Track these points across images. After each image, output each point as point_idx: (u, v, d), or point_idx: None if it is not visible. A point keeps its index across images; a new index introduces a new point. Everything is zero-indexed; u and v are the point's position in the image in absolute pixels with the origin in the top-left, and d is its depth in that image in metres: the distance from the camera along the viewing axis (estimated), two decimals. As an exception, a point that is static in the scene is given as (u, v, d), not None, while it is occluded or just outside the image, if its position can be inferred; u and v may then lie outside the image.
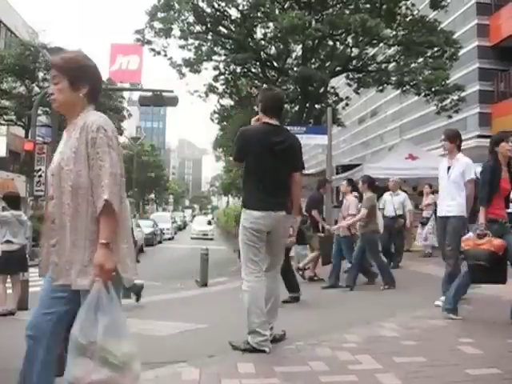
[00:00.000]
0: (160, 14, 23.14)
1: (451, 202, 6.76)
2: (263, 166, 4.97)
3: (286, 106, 26.53)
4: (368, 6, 23.00)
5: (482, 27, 34.32)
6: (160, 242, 34.59)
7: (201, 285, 11.98)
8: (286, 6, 23.82)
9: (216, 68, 26.26)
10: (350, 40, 24.59)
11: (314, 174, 24.52)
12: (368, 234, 9.24)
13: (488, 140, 24.84)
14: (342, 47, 25.68)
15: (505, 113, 30.85)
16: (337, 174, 19.83)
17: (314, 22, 22.50)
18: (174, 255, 26.13)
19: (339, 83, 30.30)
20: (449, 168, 6.93)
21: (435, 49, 23.64)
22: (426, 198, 13.84)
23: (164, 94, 19.47)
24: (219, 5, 23.06)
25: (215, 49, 25.08)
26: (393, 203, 11.90)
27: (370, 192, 9.51)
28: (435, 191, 10.72)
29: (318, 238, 10.80)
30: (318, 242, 10.73)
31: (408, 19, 24.19)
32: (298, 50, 26.77)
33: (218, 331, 5.82)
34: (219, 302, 6.91)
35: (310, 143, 22.48)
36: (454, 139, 6.97)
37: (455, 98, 24.27)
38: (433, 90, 23.57)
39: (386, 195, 12.15)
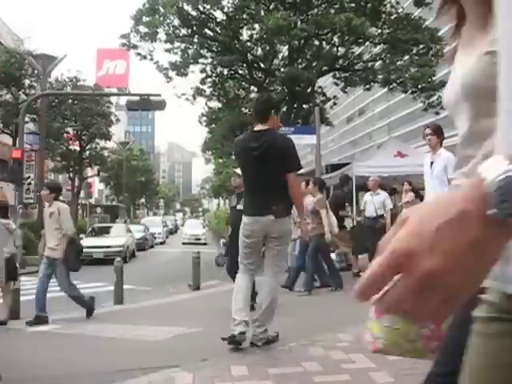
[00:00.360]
0: (145, 18, 23.11)
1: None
2: (248, 172, 5.19)
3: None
4: (353, 4, 23.07)
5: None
6: (152, 247, 34.48)
7: (193, 288, 11.93)
8: (271, 7, 23.87)
9: (203, 71, 26.26)
10: (335, 39, 24.68)
11: (304, 174, 24.50)
12: (317, 237, 9.28)
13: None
14: (328, 47, 25.75)
15: (491, 108, 31.10)
16: (326, 173, 19.80)
17: (299, 23, 22.55)
18: (166, 259, 26.06)
19: (326, 83, 30.36)
20: (432, 163, 6.94)
21: (421, 46, 23.76)
22: (405, 195, 13.77)
23: (151, 97, 19.48)
24: (204, 7, 23.06)
25: (201, 51, 25.08)
26: (373, 203, 11.52)
27: (319, 193, 9.63)
28: (417, 188, 10.64)
29: (346, 234, 11.22)
30: (351, 235, 11.28)
31: (393, 17, 24.30)
32: (284, 50, 26.82)
33: (211, 334, 5.80)
34: (212, 305, 6.89)
35: (299, 143, 22.42)
36: (439, 134, 6.98)
37: (441, 94, 24.41)
38: (419, 87, 23.68)
39: (367, 195, 11.82)
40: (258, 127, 5.21)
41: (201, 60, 25.35)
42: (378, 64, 25.18)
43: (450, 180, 6.67)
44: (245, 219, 5.11)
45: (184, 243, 38.64)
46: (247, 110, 28.69)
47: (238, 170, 7.95)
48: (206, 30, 24.43)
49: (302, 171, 10.44)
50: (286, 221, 5.04)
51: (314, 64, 25.04)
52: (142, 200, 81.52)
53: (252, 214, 5.05)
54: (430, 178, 6.87)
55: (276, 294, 5.21)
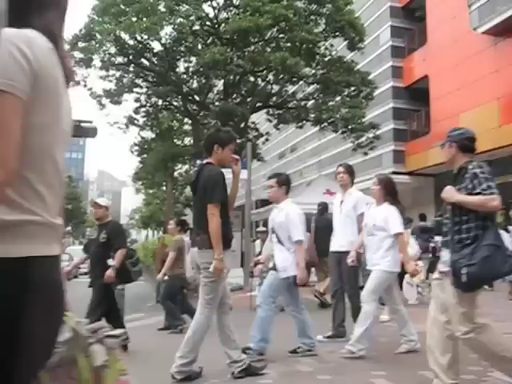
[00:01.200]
0: (81, 44, 22.87)
1: (344, 237, 6.80)
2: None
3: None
4: (289, 44, 23.57)
5: (396, 69, 35.84)
6: (76, 277, 33.38)
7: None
8: (208, 42, 24.11)
9: (137, 100, 26.11)
10: (270, 77, 25.14)
11: (233, 208, 24.50)
12: (172, 278, 9.20)
13: (402, 176, 25.73)
14: (263, 84, 26.16)
15: (417, 150, 32.17)
16: (256, 208, 19.96)
17: (235, 58, 22.83)
18: (89, 290, 25.25)
19: (260, 119, 30.77)
20: (342, 202, 7.02)
21: (352, 88, 24.51)
22: None
23: (83, 124, 19.09)
24: (142, 37, 23.04)
25: (137, 81, 24.98)
26: None
27: (178, 235, 9.58)
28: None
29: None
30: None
31: (326, 59, 24.97)
32: (219, 84, 27.06)
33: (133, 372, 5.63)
34: (133, 341, 6.70)
35: (230, 177, 22.58)
36: (351, 173, 7.12)
37: (371, 135, 25.13)
38: (349, 127, 24.32)
39: None
40: (204, 161, 5.35)
41: (136, 89, 25.23)
42: (310, 103, 25.74)
43: (358, 218, 6.72)
44: None
45: None
46: (180, 142, 28.66)
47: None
48: (143, 60, 24.39)
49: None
50: (209, 253, 4.94)
51: (249, 100, 25.34)
52: (68, 228, 79.49)
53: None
54: (339, 216, 6.94)
55: (200, 327, 5.09)
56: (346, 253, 6.60)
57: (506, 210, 25.40)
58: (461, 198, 3.88)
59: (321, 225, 11.37)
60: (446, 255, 3.99)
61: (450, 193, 3.96)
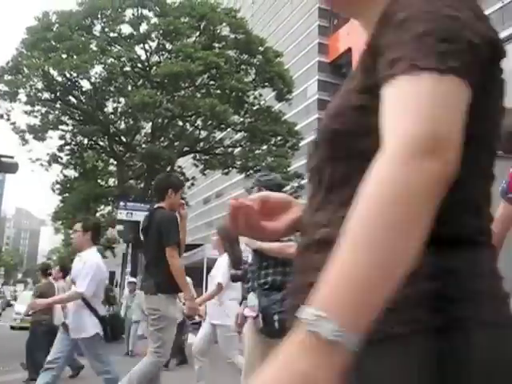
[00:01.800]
0: (7, 77, 22.36)
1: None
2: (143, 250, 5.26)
3: (131, 181, 26.30)
4: (218, 91, 23.87)
5: (321, 121, 36.90)
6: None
7: (25, 367, 11.03)
8: (138, 84, 24.08)
9: (62, 137, 25.61)
10: (199, 122, 25.29)
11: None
12: (35, 323, 8.90)
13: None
14: (191, 128, 26.24)
15: (340, 202, 32.97)
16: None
17: (165, 102, 22.88)
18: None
19: (186, 163, 30.74)
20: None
21: (279, 138, 24.97)
22: None
23: (3, 159, 18.53)
24: (71, 75, 22.75)
25: (63, 118, 24.54)
26: None
27: (44, 279, 9.20)
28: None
29: None
30: None
31: (255, 108, 25.41)
32: (147, 127, 26.94)
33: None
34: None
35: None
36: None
37: (295, 185, 25.51)
38: (275, 176, 24.61)
39: None
40: (155, 206, 5.23)
41: (61, 126, 24.78)
42: (237, 150, 25.96)
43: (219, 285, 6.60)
44: None
45: (13, 327, 24.02)
46: (104, 183, 28.15)
47: None
48: (71, 97, 24.02)
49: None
50: (154, 298, 4.78)
51: (176, 144, 25.31)
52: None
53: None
54: None
55: (136, 377, 4.73)
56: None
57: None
58: (261, 245, 3.86)
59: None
60: (252, 300, 3.96)
61: (253, 240, 3.97)
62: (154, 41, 24.48)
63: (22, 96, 22.96)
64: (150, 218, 5.10)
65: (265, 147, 24.96)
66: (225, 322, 5.79)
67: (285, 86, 25.18)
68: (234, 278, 5.91)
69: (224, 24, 24.56)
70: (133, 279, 13.30)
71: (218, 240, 6.34)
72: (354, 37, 34.37)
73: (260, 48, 25.13)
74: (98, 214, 34.61)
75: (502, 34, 21.25)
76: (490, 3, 21.69)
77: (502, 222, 2.34)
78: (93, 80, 23.63)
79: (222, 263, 6.14)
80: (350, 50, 34.91)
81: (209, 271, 14.01)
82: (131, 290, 12.11)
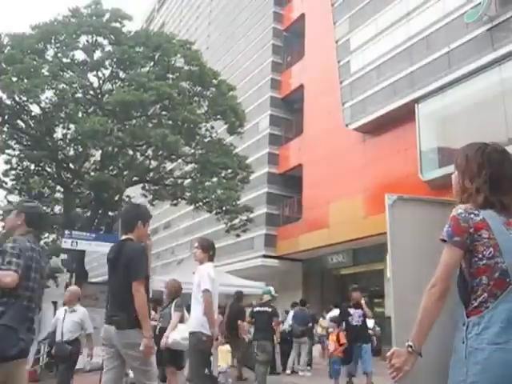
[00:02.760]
0: (-49, 99, 21.82)
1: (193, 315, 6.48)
2: (107, 282, 5.12)
3: (77, 210, 25.80)
4: (170, 122, 23.83)
5: (272, 156, 37.11)
6: None
7: None
8: (89, 111, 23.84)
9: (8, 162, 25.04)
10: (150, 152, 25.15)
11: (101, 283, 23.67)
12: None
13: (272, 260, 26.08)
14: (141, 158, 26.07)
15: (288, 236, 33.05)
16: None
17: (115, 130, 22.71)
18: None
19: (135, 193, 30.41)
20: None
21: (229, 170, 25.03)
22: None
23: None
24: (20, 98, 22.33)
25: (10, 142, 24.01)
26: None
27: None
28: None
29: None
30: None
31: (206, 140, 25.45)
32: (97, 155, 26.63)
33: None
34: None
35: (99, 251, 21.91)
36: (207, 249, 6.66)
37: (244, 218, 25.53)
38: (224, 208, 24.61)
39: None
40: (123, 237, 5.07)
41: (8, 151, 24.25)
42: (187, 182, 25.89)
43: (204, 292, 6.18)
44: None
45: None
46: (49, 210, 27.55)
47: None
48: (19, 121, 23.53)
49: (99, 279, 9.86)
50: (131, 333, 4.65)
51: (126, 173, 25.05)
52: None
53: (105, 322, 4.93)
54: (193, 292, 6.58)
55: None
56: (191, 333, 6.34)
57: (370, 297, 26.52)
58: None
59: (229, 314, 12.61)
60: None
61: None
62: (107, 68, 24.34)
63: (-33, 118, 22.42)
64: (119, 249, 4.98)
65: (215, 179, 24.95)
66: None
67: (237, 120, 25.36)
68: None
69: (179, 55, 24.65)
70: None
71: (198, 251, 6.51)
72: (306, 74, 34.98)
73: (214, 81, 25.30)
74: (41, 242, 33.82)
75: (449, 78, 21.98)
76: (437, 48, 22.49)
77: (451, 266, 2.40)
78: (43, 105, 23.24)
79: (206, 270, 6.23)
80: (302, 86, 35.47)
81: (155, 302, 13.77)
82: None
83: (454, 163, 2.69)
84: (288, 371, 14.91)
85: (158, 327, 8.05)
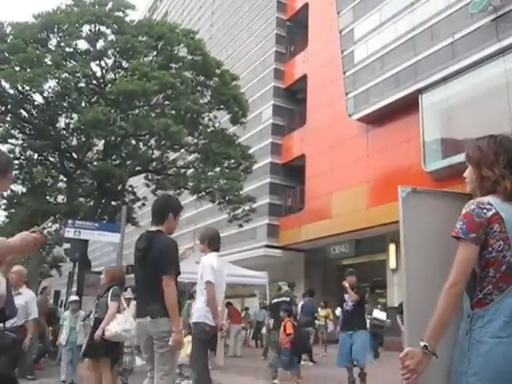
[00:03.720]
0: (-46, 88, 21.82)
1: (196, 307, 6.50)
2: (134, 272, 5.15)
3: (80, 199, 25.83)
4: (173, 112, 23.81)
5: (275, 146, 37.08)
6: None
7: None
8: (92, 100, 23.81)
9: (11, 151, 25.02)
10: (152, 142, 25.14)
11: (100, 273, 23.71)
12: None
13: (275, 250, 26.14)
14: (144, 148, 26.06)
15: (290, 226, 33.07)
16: (127, 273, 19.33)
17: (118, 120, 22.71)
18: None
19: (138, 183, 30.45)
20: None
21: (232, 160, 25.03)
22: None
23: None
24: (24, 88, 22.31)
25: (13, 131, 24.01)
26: None
27: None
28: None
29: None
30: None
31: (209, 130, 25.42)
32: (99, 144, 26.62)
33: None
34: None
35: (102, 240, 22.01)
36: (204, 240, 6.61)
37: (247, 208, 25.54)
38: (227, 198, 24.63)
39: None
40: (152, 228, 5.07)
41: (11, 140, 24.23)
42: (190, 171, 25.87)
43: (206, 283, 6.18)
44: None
45: None
46: (52, 199, 27.58)
47: None
48: (22, 111, 23.53)
49: (101, 269, 9.86)
50: (163, 321, 4.71)
51: (128, 163, 25.07)
52: None
53: (136, 316, 5.01)
54: (198, 283, 6.57)
55: None
56: (195, 324, 6.35)
57: (372, 287, 26.58)
58: None
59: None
60: None
61: None
62: (110, 58, 24.30)
63: (-30, 107, 22.43)
64: (150, 241, 4.96)
65: (218, 169, 24.95)
66: None
67: (240, 110, 25.33)
68: None
69: (182, 45, 24.59)
70: (75, 298, 11.91)
71: (198, 242, 6.53)
72: (309, 64, 34.87)
73: (217, 70, 25.24)
74: (45, 231, 33.89)
75: (453, 68, 21.89)
76: (441, 38, 22.38)
77: (469, 264, 2.37)
78: (46, 94, 23.24)
79: (208, 261, 6.20)
80: (305, 76, 35.37)
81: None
82: (74, 309, 10.76)
83: (466, 157, 2.65)
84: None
85: (93, 318, 7.56)
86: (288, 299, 11.90)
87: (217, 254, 6.49)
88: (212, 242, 6.51)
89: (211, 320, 6.08)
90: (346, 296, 9.68)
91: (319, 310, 19.73)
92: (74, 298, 11.88)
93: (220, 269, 6.36)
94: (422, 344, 2.32)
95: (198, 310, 6.26)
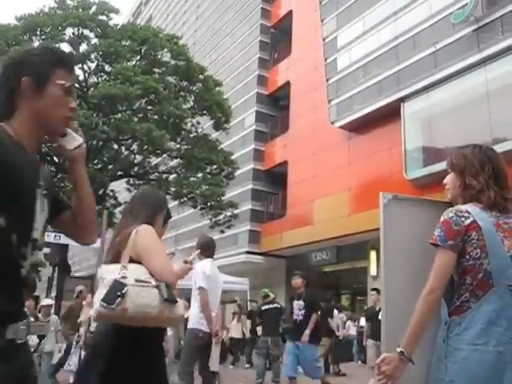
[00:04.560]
0: None
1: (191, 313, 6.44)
2: None
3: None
4: (156, 117, 23.76)
5: (258, 152, 37.07)
6: None
7: None
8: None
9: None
10: (135, 146, 25.04)
11: (84, 277, 23.59)
12: None
13: (256, 256, 26.11)
14: (126, 152, 25.94)
15: (272, 232, 33.07)
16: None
17: (100, 124, 22.59)
18: None
19: (119, 187, 30.27)
20: None
21: (214, 166, 25.01)
22: None
23: None
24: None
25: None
26: None
27: None
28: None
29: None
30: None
31: (192, 135, 25.40)
32: (81, 148, 26.41)
33: None
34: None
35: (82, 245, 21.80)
36: (198, 247, 6.38)
37: (229, 214, 25.52)
38: (209, 204, 24.59)
39: None
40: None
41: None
42: (172, 177, 25.81)
43: (199, 289, 6.15)
44: None
45: None
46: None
47: None
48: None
49: (82, 274, 9.72)
50: None
51: (110, 167, 24.93)
52: None
53: None
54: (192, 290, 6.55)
55: None
56: (189, 330, 6.34)
57: (352, 294, 26.64)
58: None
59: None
60: None
61: None
62: (93, 62, 24.22)
63: None
64: None
65: (200, 175, 24.92)
66: None
67: (223, 115, 25.34)
68: None
69: (165, 50, 24.57)
70: (49, 301, 11.03)
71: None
72: (292, 71, 34.97)
73: (200, 76, 25.25)
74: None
75: (435, 77, 22.09)
76: (424, 47, 22.60)
77: (447, 271, 2.39)
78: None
79: (201, 268, 6.17)
80: (288, 83, 35.45)
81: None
82: (45, 314, 9.85)
83: (449, 164, 2.66)
84: None
85: None
86: (279, 306, 11.96)
87: (211, 260, 6.47)
88: (205, 248, 6.40)
89: (205, 326, 6.07)
90: (295, 302, 9.05)
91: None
92: (47, 301, 11.03)
93: (214, 275, 6.37)
94: (398, 350, 2.33)
95: (193, 317, 6.24)
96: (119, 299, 2.56)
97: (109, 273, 2.70)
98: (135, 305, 2.57)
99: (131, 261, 2.78)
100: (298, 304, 8.88)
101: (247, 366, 16.46)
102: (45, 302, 10.90)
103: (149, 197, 3.33)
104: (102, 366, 2.70)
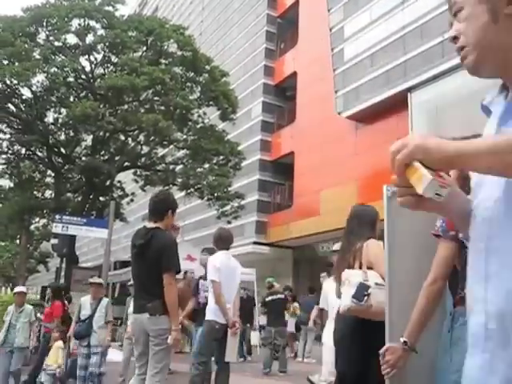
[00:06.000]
0: None
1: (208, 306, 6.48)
2: (132, 269, 5.15)
3: (68, 194, 25.71)
4: (163, 108, 23.75)
5: (264, 143, 37.04)
6: None
7: None
8: (81, 95, 23.72)
9: (-2, 145, 24.90)
10: (141, 138, 25.05)
11: (91, 268, 23.72)
12: None
13: (263, 247, 26.15)
14: (133, 143, 25.96)
15: (279, 223, 33.09)
16: (114, 269, 19.31)
17: (107, 115, 22.59)
18: None
19: (126, 178, 30.32)
20: None
21: (221, 157, 24.99)
22: None
23: None
24: (11, 82, 22.15)
25: (0, 126, 23.87)
26: None
27: None
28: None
29: None
30: None
31: (199, 126, 25.37)
32: (88, 139, 26.48)
33: None
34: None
35: (89, 236, 21.91)
36: (213, 240, 6.71)
37: (235, 204, 25.52)
38: (215, 195, 24.60)
39: None
40: (150, 224, 5.03)
41: (-2, 135, 24.13)
42: (179, 168, 25.82)
43: (211, 282, 6.33)
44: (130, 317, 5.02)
45: None
46: (40, 194, 27.42)
47: None
48: (10, 105, 23.37)
49: (89, 264, 9.80)
50: (163, 319, 4.69)
51: (117, 158, 24.98)
52: None
53: (133, 312, 5.01)
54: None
55: None
56: (205, 321, 6.38)
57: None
58: None
59: None
60: None
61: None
62: (99, 53, 24.20)
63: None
64: (149, 237, 4.91)
65: (207, 166, 24.91)
66: None
67: (229, 106, 25.29)
68: None
69: (172, 40, 24.51)
70: (21, 289, 9.47)
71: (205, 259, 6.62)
72: (299, 61, 34.88)
73: (206, 66, 25.19)
74: (32, 227, 33.71)
75: (443, 67, 21.97)
76: (432, 37, 22.46)
77: (449, 261, 2.39)
78: (34, 89, 23.11)
79: (212, 261, 6.23)
80: (295, 73, 35.37)
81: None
82: (18, 303, 8.79)
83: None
84: (299, 358, 14.94)
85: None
86: (283, 296, 12.05)
87: (225, 252, 6.51)
88: (218, 241, 6.59)
89: (221, 318, 6.12)
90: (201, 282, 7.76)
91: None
92: (19, 288, 9.51)
93: (227, 267, 6.37)
94: (401, 340, 2.38)
95: (209, 309, 6.29)
96: (366, 297, 3.33)
97: (353, 276, 3.51)
98: (377, 302, 3.21)
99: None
100: (203, 285, 7.90)
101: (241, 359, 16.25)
102: (17, 289, 9.58)
103: (365, 216, 4.44)
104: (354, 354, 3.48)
